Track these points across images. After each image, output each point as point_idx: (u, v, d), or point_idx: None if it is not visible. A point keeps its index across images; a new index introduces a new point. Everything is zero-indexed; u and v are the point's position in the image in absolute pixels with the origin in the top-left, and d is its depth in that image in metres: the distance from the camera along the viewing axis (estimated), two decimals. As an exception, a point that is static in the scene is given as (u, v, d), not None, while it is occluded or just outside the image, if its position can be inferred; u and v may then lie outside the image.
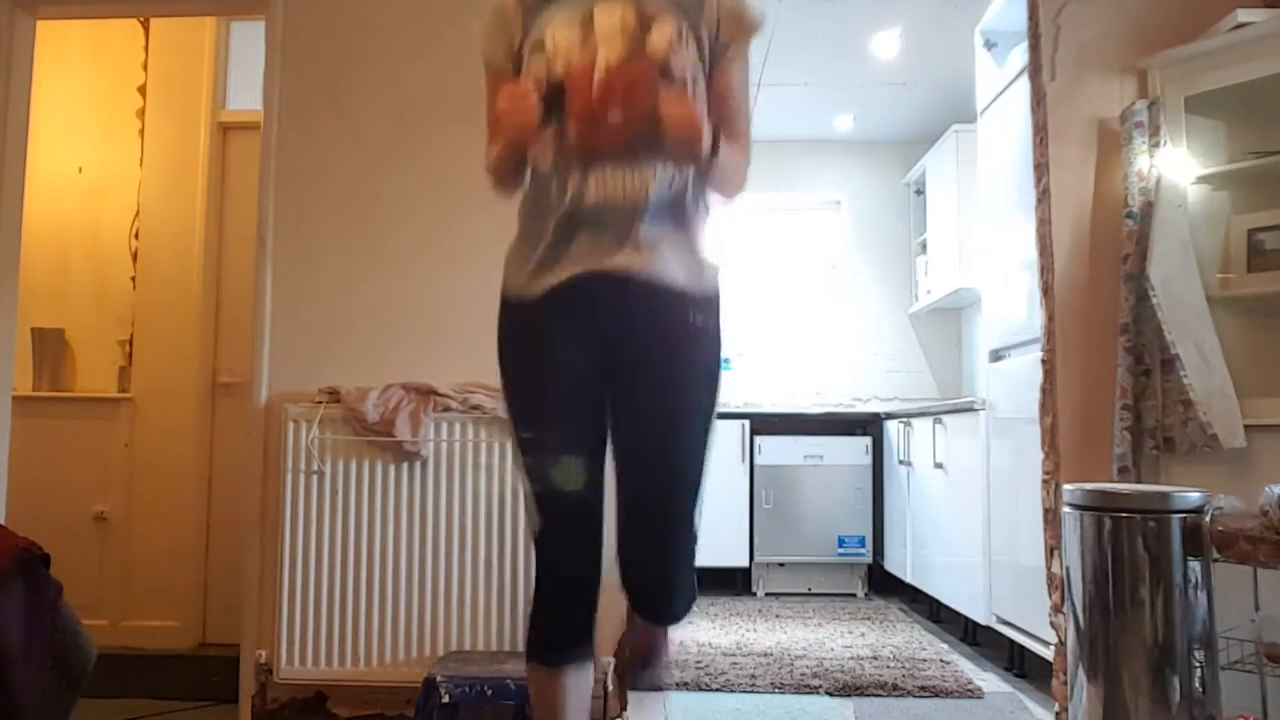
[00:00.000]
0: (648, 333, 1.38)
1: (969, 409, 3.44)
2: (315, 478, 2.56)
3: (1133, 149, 2.39)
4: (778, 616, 4.08)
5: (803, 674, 3.06)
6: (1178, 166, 2.33)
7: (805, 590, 4.68)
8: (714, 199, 1.50)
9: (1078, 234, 2.53)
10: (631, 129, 1.32)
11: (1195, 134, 2.37)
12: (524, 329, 1.45)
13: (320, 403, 2.59)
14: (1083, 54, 2.56)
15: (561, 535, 1.39)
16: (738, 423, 4.71)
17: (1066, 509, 1.95)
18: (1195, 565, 1.79)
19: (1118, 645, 1.82)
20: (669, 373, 1.39)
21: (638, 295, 1.36)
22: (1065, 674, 2.36)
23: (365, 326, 2.72)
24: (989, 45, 3.47)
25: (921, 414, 4.10)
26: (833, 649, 3.45)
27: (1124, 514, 1.83)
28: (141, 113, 3.55)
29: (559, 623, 1.40)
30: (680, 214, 1.42)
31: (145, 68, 3.56)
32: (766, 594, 4.65)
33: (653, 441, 1.40)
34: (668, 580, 1.46)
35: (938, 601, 3.89)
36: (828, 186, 5.52)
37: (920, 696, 2.84)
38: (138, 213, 3.52)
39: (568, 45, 1.38)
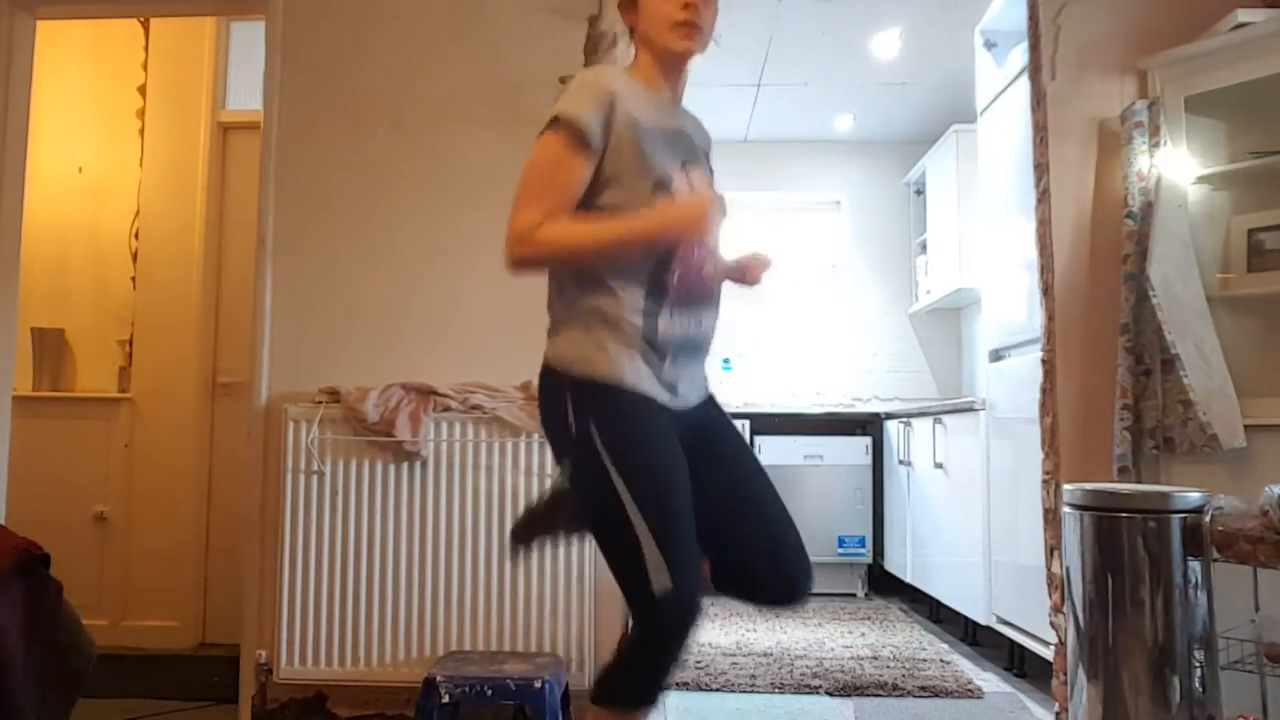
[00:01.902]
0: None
1: (969, 409, 3.44)
2: (315, 478, 2.56)
3: (1133, 149, 2.40)
4: (778, 616, 4.08)
5: (803, 674, 3.06)
6: (1178, 166, 2.33)
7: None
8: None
9: (1078, 234, 2.53)
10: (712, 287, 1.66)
11: (1195, 134, 2.37)
12: (649, 414, 1.55)
13: (320, 403, 2.59)
14: (1083, 54, 2.56)
15: (690, 580, 1.48)
16: (738, 423, 4.68)
17: (1066, 509, 1.95)
18: (1195, 565, 1.79)
19: (1118, 645, 1.82)
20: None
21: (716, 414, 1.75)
22: (1065, 674, 2.36)
23: (365, 326, 2.72)
24: (989, 45, 3.47)
25: (921, 414, 4.10)
26: (833, 649, 3.45)
27: (1124, 514, 1.83)
28: (141, 113, 3.55)
29: (673, 665, 1.51)
30: None
31: (145, 68, 3.56)
32: (766, 594, 4.65)
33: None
34: None
35: (938, 601, 3.89)
36: (828, 186, 5.52)
37: (920, 696, 2.84)
38: (138, 213, 3.52)
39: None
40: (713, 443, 1.66)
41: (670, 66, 1.66)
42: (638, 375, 1.54)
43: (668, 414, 1.57)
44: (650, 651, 1.49)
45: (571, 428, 1.51)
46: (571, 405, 1.52)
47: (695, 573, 1.50)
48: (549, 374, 1.58)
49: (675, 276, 1.54)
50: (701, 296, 1.61)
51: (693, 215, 1.50)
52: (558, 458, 1.62)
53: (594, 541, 1.62)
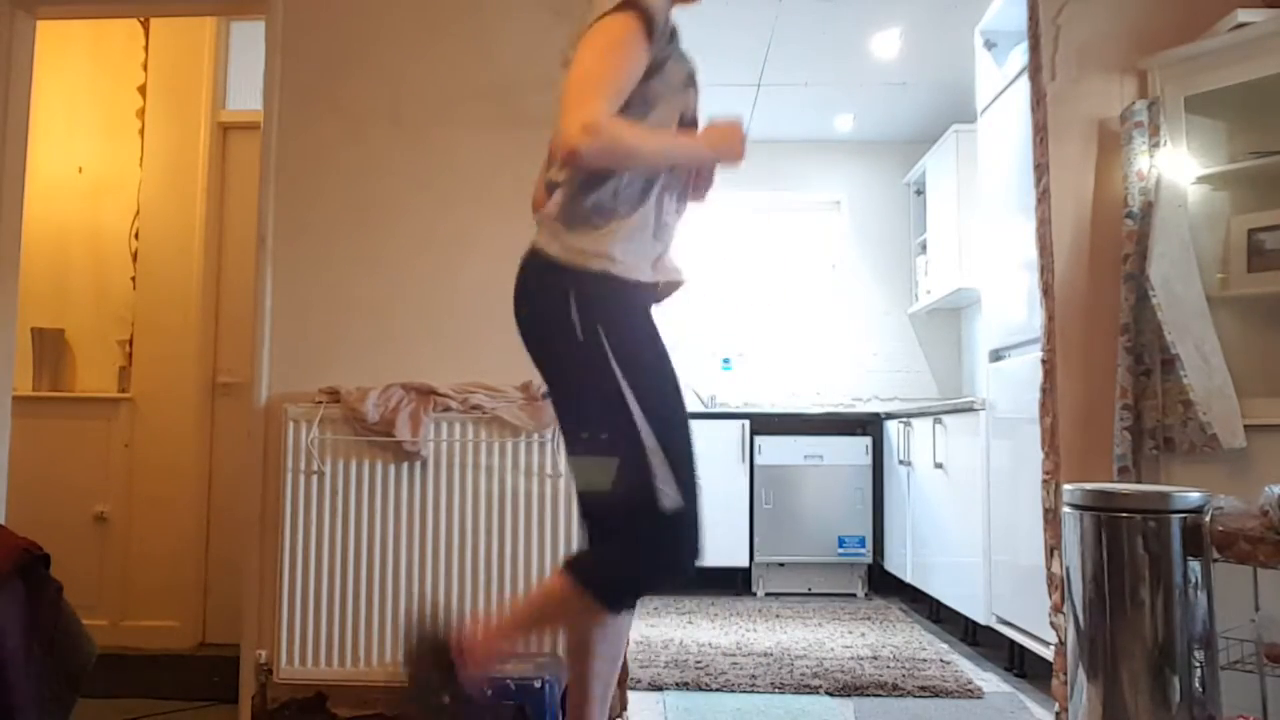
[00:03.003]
0: None
1: (969, 409, 3.44)
2: (315, 478, 2.56)
3: (1133, 149, 2.40)
4: (778, 616, 4.08)
5: (803, 674, 3.06)
6: (1178, 166, 2.33)
7: (805, 590, 4.68)
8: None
9: (1078, 234, 2.53)
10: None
11: (1195, 134, 2.37)
12: (648, 314, 1.55)
13: (320, 403, 2.59)
14: (1083, 54, 2.56)
15: (695, 505, 1.46)
16: (738, 423, 4.71)
17: (1066, 509, 1.95)
18: (1195, 565, 1.79)
19: (1118, 645, 1.82)
20: None
21: None
22: (1065, 674, 2.36)
23: (365, 327, 2.72)
24: (989, 45, 3.47)
25: (921, 414, 4.10)
26: (833, 649, 3.45)
27: (1124, 514, 1.83)
28: (141, 113, 3.55)
29: (661, 582, 1.52)
30: None
31: (145, 68, 3.56)
32: (766, 594, 4.65)
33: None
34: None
35: (938, 601, 3.89)
36: (828, 186, 5.52)
37: (920, 696, 2.84)
38: (138, 213, 3.52)
39: (698, 97, 1.66)
40: None
41: None
42: (644, 269, 1.53)
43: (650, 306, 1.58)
44: (647, 563, 1.46)
45: (576, 328, 1.44)
46: (576, 302, 1.45)
47: (698, 496, 1.47)
48: (549, 268, 1.50)
49: (700, 184, 1.65)
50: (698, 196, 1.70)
51: (737, 138, 1.58)
52: (547, 362, 1.54)
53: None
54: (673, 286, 1.63)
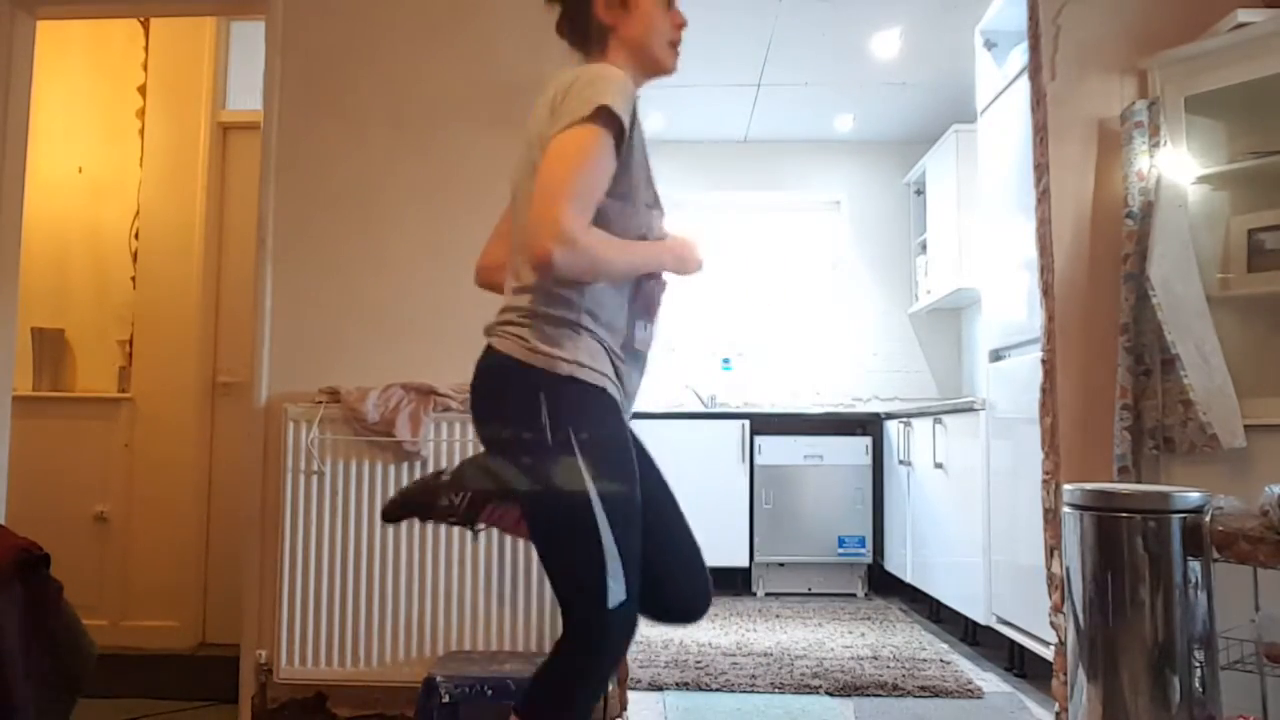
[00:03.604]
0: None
1: (969, 409, 3.44)
2: (315, 478, 2.56)
3: (1133, 149, 2.40)
4: (778, 616, 4.08)
5: (803, 674, 3.06)
6: (1178, 166, 2.33)
7: (805, 590, 4.68)
8: None
9: (1078, 234, 2.53)
10: None
11: (1195, 134, 2.37)
12: (617, 413, 1.54)
13: (320, 403, 2.59)
14: (1083, 54, 2.56)
15: (634, 595, 1.48)
16: (738, 423, 4.71)
17: (1066, 509, 1.95)
18: (1195, 565, 1.79)
19: (1118, 645, 1.82)
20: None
21: None
22: (1065, 674, 2.36)
23: (365, 327, 2.72)
24: (989, 45, 3.47)
25: (921, 414, 4.10)
26: (833, 649, 3.45)
27: (1124, 514, 1.83)
28: (141, 113, 3.55)
29: (604, 681, 1.52)
30: None
31: (145, 68, 3.56)
32: (766, 594, 4.65)
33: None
34: None
35: (938, 601, 3.89)
36: (828, 186, 5.52)
37: (920, 696, 2.84)
38: (138, 213, 3.52)
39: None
40: (637, 453, 1.63)
41: (644, 78, 1.63)
42: (614, 383, 1.52)
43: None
44: (590, 664, 1.47)
45: (545, 428, 1.44)
46: (547, 403, 1.44)
47: (638, 588, 1.49)
48: (518, 368, 1.48)
49: (658, 292, 1.61)
50: (658, 311, 1.67)
51: (698, 255, 1.62)
52: (510, 457, 1.52)
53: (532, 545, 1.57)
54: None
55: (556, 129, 1.43)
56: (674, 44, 1.63)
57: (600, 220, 1.45)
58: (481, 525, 1.77)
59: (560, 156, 1.40)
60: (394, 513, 1.74)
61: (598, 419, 1.49)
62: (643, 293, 1.57)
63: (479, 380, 1.56)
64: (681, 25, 1.64)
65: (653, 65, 1.62)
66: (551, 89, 1.50)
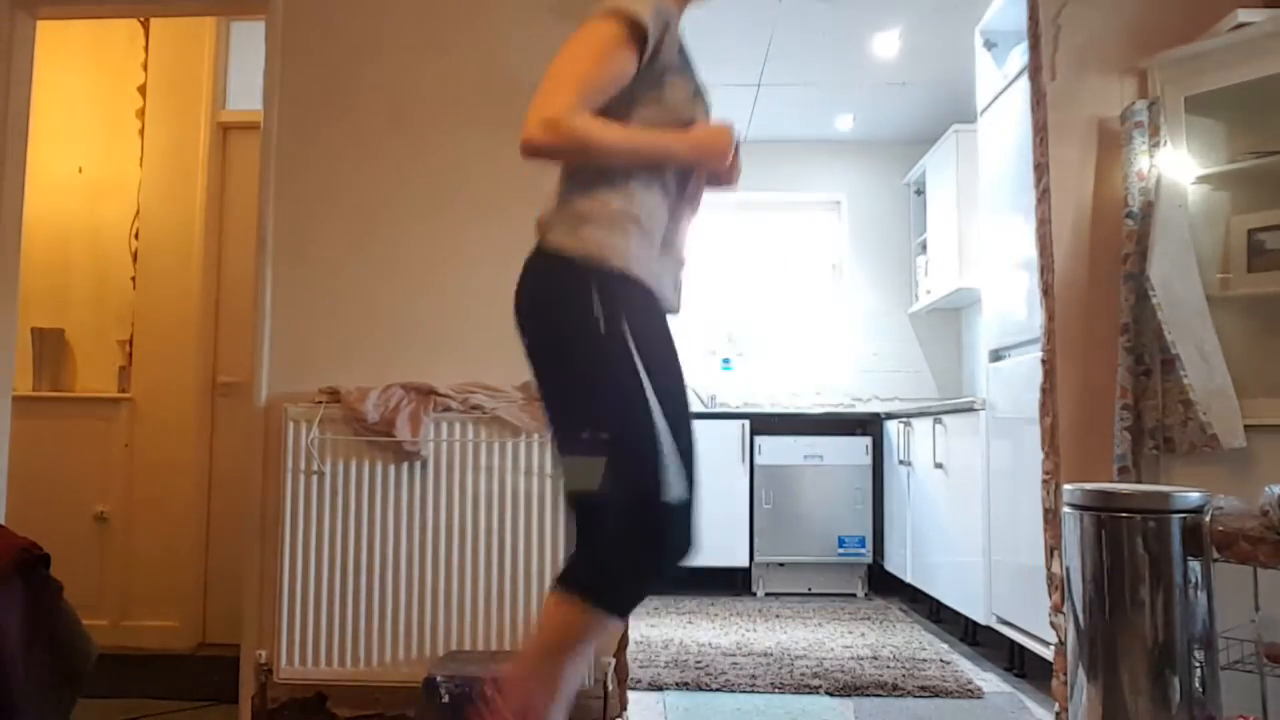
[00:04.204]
0: None
1: (969, 409, 3.44)
2: (315, 478, 2.56)
3: (1133, 149, 2.40)
4: (778, 616, 4.08)
5: (803, 674, 3.06)
6: (1178, 166, 2.33)
7: (805, 590, 4.68)
8: None
9: (1078, 234, 2.53)
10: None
11: (1195, 134, 2.37)
12: (663, 315, 1.54)
13: (320, 403, 2.59)
14: (1083, 54, 2.56)
15: (694, 499, 1.46)
16: (738, 423, 4.71)
17: (1066, 509, 1.95)
18: (1195, 565, 1.79)
19: (1118, 645, 1.82)
20: None
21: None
22: (1065, 674, 2.36)
23: (365, 326, 2.72)
24: (989, 45, 3.47)
25: (921, 414, 4.10)
26: (833, 649, 3.45)
27: (1124, 514, 1.83)
28: (141, 113, 3.55)
29: (663, 575, 1.48)
30: None
31: (145, 68, 3.57)
32: (766, 594, 4.65)
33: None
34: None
35: (938, 601, 3.89)
36: (828, 186, 5.52)
37: (920, 696, 2.84)
38: (138, 213, 3.52)
39: (707, 111, 1.65)
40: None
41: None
42: (660, 278, 1.53)
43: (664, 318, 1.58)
44: (646, 558, 1.45)
45: (600, 320, 1.43)
46: (599, 296, 1.45)
47: (696, 493, 1.47)
48: (566, 263, 1.49)
49: (699, 188, 1.61)
50: (696, 206, 1.66)
51: (723, 143, 1.56)
52: (559, 355, 1.52)
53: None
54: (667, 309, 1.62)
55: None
56: None
57: (624, 114, 1.48)
58: None
59: (565, 49, 1.46)
60: None
61: (649, 314, 1.50)
62: (680, 186, 1.57)
63: (526, 277, 1.56)
64: None
65: None
66: None
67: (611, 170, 1.51)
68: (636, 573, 1.47)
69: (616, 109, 1.50)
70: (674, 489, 1.42)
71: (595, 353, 1.46)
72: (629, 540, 1.45)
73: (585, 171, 1.53)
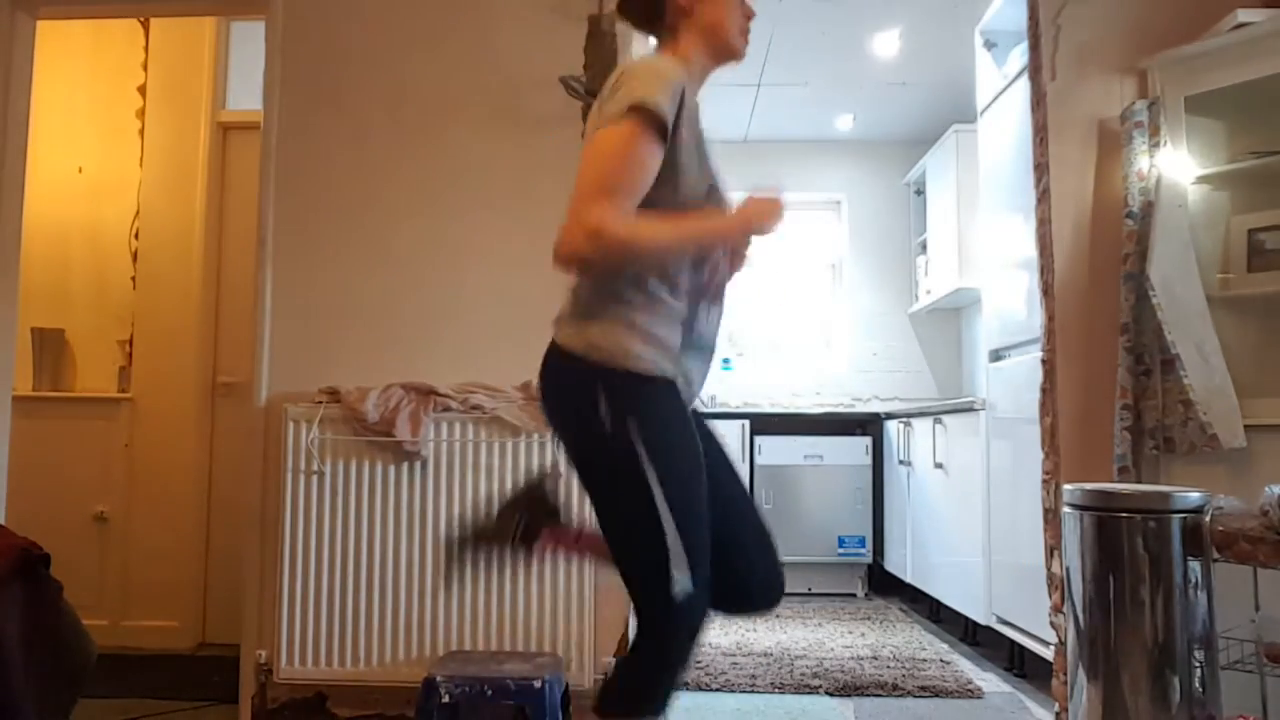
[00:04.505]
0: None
1: (969, 409, 3.44)
2: (315, 478, 2.56)
3: (1133, 149, 2.39)
4: (778, 616, 4.08)
5: (803, 674, 3.06)
6: (1178, 166, 2.33)
7: (805, 590, 4.68)
8: None
9: (1078, 234, 2.53)
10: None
11: (1195, 134, 2.36)
12: (678, 400, 1.54)
13: (320, 403, 2.59)
14: (1083, 54, 2.56)
15: (705, 585, 1.47)
16: (738, 423, 4.71)
17: (1066, 509, 1.95)
18: (1195, 565, 1.79)
19: (1118, 645, 1.82)
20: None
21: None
22: (1065, 674, 2.36)
23: (365, 326, 2.72)
24: (989, 45, 3.47)
25: (921, 414, 4.10)
26: (833, 649, 3.45)
27: (1124, 514, 1.83)
28: (141, 113, 3.55)
29: (682, 671, 1.50)
30: None
31: (145, 68, 3.57)
32: (766, 594, 4.65)
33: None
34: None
35: (938, 601, 3.89)
36: (828, 186, 5.52)
37: (920, 696, 2.84)
38: (138, 213, 3.52)
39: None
40: (705, 444, 1.61)
41: (715, 65, 1.64)
42: (675, 372, 1.52)
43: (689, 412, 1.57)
44: (663, 656, 1.47)
45: (605, 422, 1.44)
46: (606, 398, 1.45)
47: (708, 577, 1.48)
48: (575, 364, 1.49)
49: (719, 271, 1.57)
50: (724, 292, 1.63)
51: (771, 212, 1.52)
52: (575, 453, 1.53)
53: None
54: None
55: (599, 126, 1.47)
56: (744, 32, 1.63)
57: (648, 207, 1.46)
58: (539, 546, 1.76)
59: (593, 155, 1.44)
60: (461, 548, 1.76)
61: (657, 410, 1.49)
62: (698, 276, 1.55)
63: (542, 375, 1.57)
64: (751, 16, 1.64)
65: (726, 51, 1.63)
66: (609, 83, 1.51)
67: (625, 271, 1.49)
68: (664, 673, 1.48)
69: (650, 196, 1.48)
70: (677, 584, 1.42)
71: (604, 455, 1.47)
72: (649, 650, 1.48)
73: (600, 273, 1.51)
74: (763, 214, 1.52)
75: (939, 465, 3.81)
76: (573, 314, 1.54)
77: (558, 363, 1.53)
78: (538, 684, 2.17)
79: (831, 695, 2.87)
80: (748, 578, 1.66)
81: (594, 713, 1.50)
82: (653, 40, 1.66)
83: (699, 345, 1.58)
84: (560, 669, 2.35)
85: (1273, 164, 2.28)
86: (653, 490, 1.43)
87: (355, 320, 2.72)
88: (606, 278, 1.51)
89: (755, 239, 1.58)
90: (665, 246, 1.48)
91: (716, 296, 1.60)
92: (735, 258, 1.64)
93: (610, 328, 1.49)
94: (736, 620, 3.96)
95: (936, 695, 2.84)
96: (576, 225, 1.38)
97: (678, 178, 1.50)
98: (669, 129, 1.44)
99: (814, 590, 4.68)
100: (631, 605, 1.49)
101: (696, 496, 1.49)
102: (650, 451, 1.44)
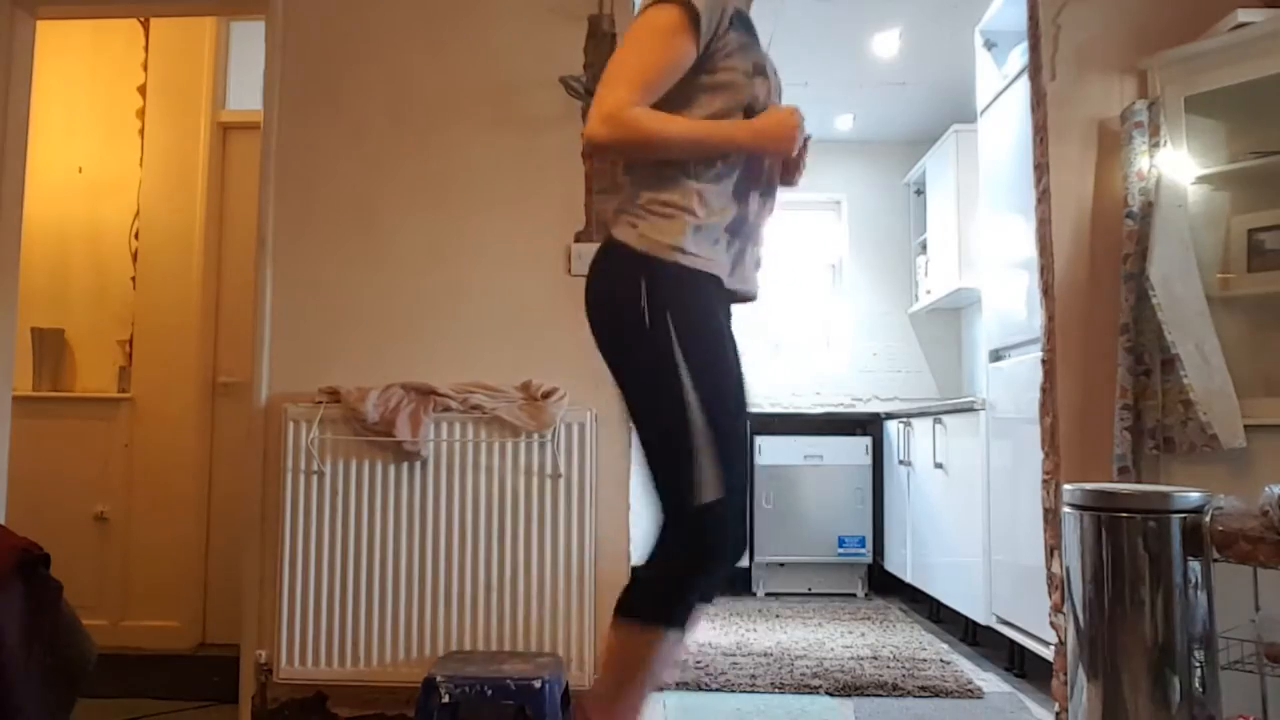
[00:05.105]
0: None
1: (969, 409, 3.44)
2: (315, 478, 2.56)
3: (1133, 149, 2.39)
4: (778, 616, 4.08)
5: (803, 674, 3.06)
6: (1178, 166, 2.33)
7: (805, 590, 4.68)
8: None
9: (1078, 234, 2.53)
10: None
11: (1195, 134, 2.36)
12: (718, 307, 1.56)
13: (320, 403, 2.59)
14: (1083, 54, 2.56)
15: (740, 498, 1.48)
16: (738, 423, 4.70)
17: (1066, 509, 1.95)
18: (1195, 565, 1.79)
19: (1118, 645, 1.82)
20: None
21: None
22: (1065, 674, 2.36)
23: (365, 327, 2.72)
24: (989, 45, 3.47)
25: (921, 414, 4.10)
26: (833, 649, 3.45)
27: (1124, 514, 1.83)
28: (141, 113, 3.55)
29: (717, 584, 1.50)
30: None
31: (145, 68, 3.57)
32: (766, 594, 4.65)
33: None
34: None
35: (938, 601, 3.89)
36: (828, 186, 5.52)
37: (920, 696, 2.84)
38: (138, 213, 3.52)
39: (771, 89, 1.65)
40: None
41: None
42: (722, 264, 1.54)
43: (726, 304, 1.59)
44: (688, 565, 1.45)
45: (645, 312, 1.46)
46: (647, 289, 1.47)
47: (744, 492, 1.48)
48: (623, 255, 1.52)
49: (772, 175, 1.60)
50: (774, 190, 1.66)
51: (788, 131, 1.55)
52: (611, 347, 1.54)
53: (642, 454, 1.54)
54: (744, 296, 1.63)
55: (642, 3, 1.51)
56: None
57: (686, 101, 1.50)
58: None
59: (628, 37, 1.50)
60: None
61: (698, 307, 1.50)
62: (749, 168, 1.58)
63: (590, 270, 1.59)
64: None
65: None
66: None
67: (669, 163, 1.52)
68: (683, 583, 1.47)
69: (676, 94, 1.52)
70: (705, 488, 1.42)
71: (639, 346, 1.48)
72: (671, 550, 1.46)
73: (644, 165, 1.56)
74: (776, 128, 1.55)
75: (939, 465, 3.81)
76: (621, 207, 1.58)
77: (604, 258, 1.56)
78: (538, 684, 2.17)
79: (831, 695, 2.87)
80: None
81: (616, 613, 1.49)
82: None
83: (748, 245, 1.61)
84: (560, 669, 2.35)
85: (1273, 164, 2.28)
86: (685, 388, 1.43)
87: (355, 320, 2.72)
88: (653, 171, 1.54)
89: (770, 156, 1.60)
90: (677, 141, 1.50)
91: (767, 192, 1.63)
92: (789, 165, 1.67)
93: (657, 221, 1.51)
94: (743, 618, 3.97)
95: (936, 695, 2.84)
96: (598, 110, 1.44)
97: (719, 81, 1.53)
98: (704, 21, 1.47)
99: (814, 590, 4.68)
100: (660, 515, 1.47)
101: (731, 398, 1.49)
102: (685, 348, 1.45)
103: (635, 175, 1.59)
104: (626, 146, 1.50)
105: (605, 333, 1.55)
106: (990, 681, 3.03)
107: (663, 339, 1.44)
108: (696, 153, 1.53)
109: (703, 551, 1.46)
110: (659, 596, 1.47)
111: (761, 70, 1.61)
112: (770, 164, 1.62)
